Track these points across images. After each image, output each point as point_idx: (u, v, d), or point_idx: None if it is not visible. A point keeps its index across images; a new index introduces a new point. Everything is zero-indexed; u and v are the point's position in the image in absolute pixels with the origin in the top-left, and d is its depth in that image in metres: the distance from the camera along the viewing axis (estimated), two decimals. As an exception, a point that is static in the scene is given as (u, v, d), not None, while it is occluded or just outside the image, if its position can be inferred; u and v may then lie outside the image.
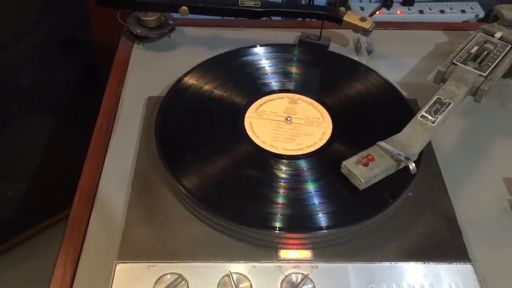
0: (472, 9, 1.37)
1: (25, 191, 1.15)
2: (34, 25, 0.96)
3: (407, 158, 0.55)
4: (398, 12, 1.36)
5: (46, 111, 1.09)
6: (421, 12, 1.36)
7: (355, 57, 0.79)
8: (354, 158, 0.56)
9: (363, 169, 0.55)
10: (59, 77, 1.07)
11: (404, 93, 0.71)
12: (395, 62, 0.79)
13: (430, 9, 1.37)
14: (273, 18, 1.01)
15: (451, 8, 1.37)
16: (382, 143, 0.57)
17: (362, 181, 0.54)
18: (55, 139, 1.13)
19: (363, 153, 0.56)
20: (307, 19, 0.87)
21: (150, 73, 0.75)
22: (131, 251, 0.53)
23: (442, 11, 1.37)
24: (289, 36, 0.83)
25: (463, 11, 1.36)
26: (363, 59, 0.79)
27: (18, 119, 1.05)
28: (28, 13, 0.94)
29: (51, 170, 1.16)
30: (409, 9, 1.36)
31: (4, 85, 0.98)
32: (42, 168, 1.15)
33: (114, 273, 0.51)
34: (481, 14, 1.35)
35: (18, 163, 1.12)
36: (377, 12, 0.93)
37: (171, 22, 0.80)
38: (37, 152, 1.13)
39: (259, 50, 0.73)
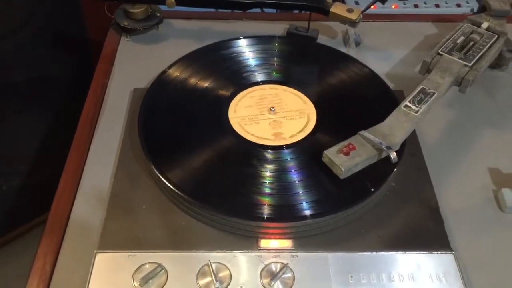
0: (468, 3, 1.35)
1: (19, 186, 1.15)
2: (27, 20, 0.95)
3: (388, 147, 0.55)
4: (393, 6, 1.35)
5: (41, 107, 1.09)
6: (416, 6, 1.35)
7: (343, 49, 0.79)
8: (336, 147, 0.56)
9: (344, 158, 0.55)
10: (55, 72, 1.07)
11: (391, 85, 0.71)
12: (383, 54, 0.79)
13: (425, 3, 1.36)
14: (266, 10, 1.01)
15: (446, 2, 1.35)
16: (364, 132, 0.57)
17: (343, 170, 0.54)
18: (51, 135, 1.13)
19: (345, 143, 0.56)
20: (296, 11, 0.87)
21: (137, 65, 0.75)
22: (112, 240, 0.53)
23: (437, 5, 1.36)
24: (278, 28, 0.83)
25: (458, 5, 1.35)
26: (351, 51, 0.79)
27: (14, 114, 1.05)
28: (21, 8, 0.94)
29: (46, 166, 1.16)
30: (404, 3, 1.35)
31: (-1, 80, 0.98)
32: (37, 164, 1.15)
33: (93, 263, 0.51)
34: (476, 8, 1.34)
35: (12, 158, 1.12)
36: (372, 7, 0.92)
37: (158, 14, 0.80)
38: (32, 148, 1.13)
39: (242, 42, 0.73)
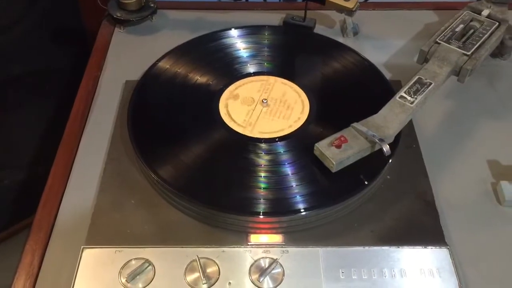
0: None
1: (22, 179, 1.15)
2: (25, 13, 0.95)
3: (381, 140, 0.53)
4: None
5: (42, 99, 1.09)
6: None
7: (341, 39, 0.77)
8: (327, 140, 0.54)
9: (336, 151, 0.53)
10: (54, 65, 1.06)
11: (389, 75, 0.69)
12: (381, 43, 0.77)
13: (432, -10, 1.33)
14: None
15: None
16: (356, 124, 0.55)
17: (334, 163, 0.52)
18: (52, 127, 1.12)
19: (336, 135, 0.54)
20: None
21: (130, 57, 0.74)
22: (100, 236, 0.53)
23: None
24: (274, 18, 0.81)
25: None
26: (349, 41, 0.77)
27: (14, 107, 1.05)
28: (18, 1, 0.93)
29: (48, 159, 1.16)
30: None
31: (-1, 73, 0.97)
32: (39, 157, 1.14)
33: (80, 258, 0.50)
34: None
35: (14, 152, 1.12)
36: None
37: (152, 5, 0.79)
38: (34, 141, 1.12)
39: (232, 33, 0.72)
